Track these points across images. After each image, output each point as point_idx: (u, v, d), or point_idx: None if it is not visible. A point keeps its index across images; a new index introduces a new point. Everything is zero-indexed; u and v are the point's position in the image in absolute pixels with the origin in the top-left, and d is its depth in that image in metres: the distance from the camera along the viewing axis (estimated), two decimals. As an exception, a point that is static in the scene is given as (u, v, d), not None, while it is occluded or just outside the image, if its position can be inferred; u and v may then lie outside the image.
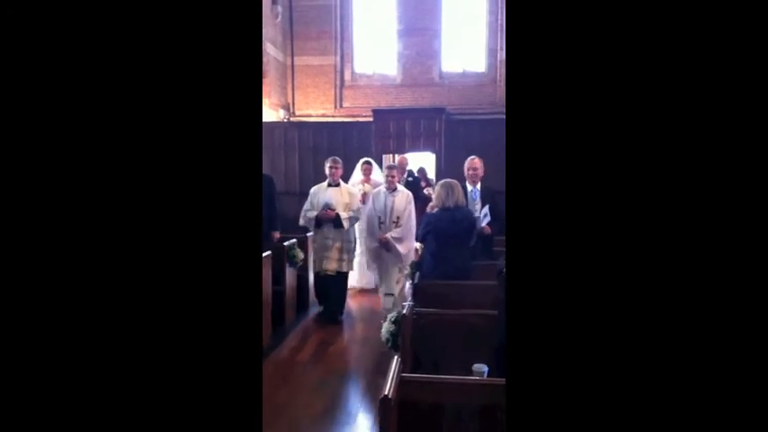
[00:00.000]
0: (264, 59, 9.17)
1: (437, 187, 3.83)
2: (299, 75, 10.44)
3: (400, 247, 4.82)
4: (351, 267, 5.31)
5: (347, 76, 10.63)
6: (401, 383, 1.82)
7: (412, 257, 4.64)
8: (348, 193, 5.19)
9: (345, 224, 5.01)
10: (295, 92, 10.43)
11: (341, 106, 10.53)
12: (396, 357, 1.99)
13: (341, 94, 10.57)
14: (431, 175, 8.93)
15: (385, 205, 4.91)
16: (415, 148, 9.26)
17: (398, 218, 4.86)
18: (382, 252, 4.92)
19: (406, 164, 7.00)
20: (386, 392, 1.66)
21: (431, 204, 4.22)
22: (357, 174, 6.14)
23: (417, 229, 6.34)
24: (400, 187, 5.07)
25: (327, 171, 5.20)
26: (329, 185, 5.16)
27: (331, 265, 5.06)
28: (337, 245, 5.07)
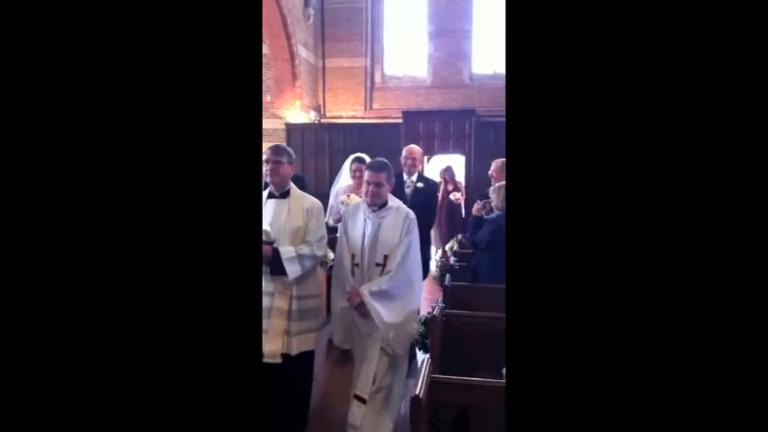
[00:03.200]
0: (296, 62, 9.29)
1: (500, 190, 3.55)
2: (329, 76, 10.54)
3: (384, 313, 2.48)
4: (311, 346, 2.76)
5: (377, 78, 10.68)
6: (431, 384, 1.83)
7: (408, 336, 2.66)
8: (303, 208, 2.72)
9: (291, 270, 2.58)
10: (326, 94, 10.53)
11: (371, 108, 10.58)
12: (425, 358, 2.00)
13: (371, 95, 10.63)
14: (459, 177, 8.85)
15: (363, 234, 2.61)
16: (444, 149, 9.24)
17: (386, 257, 2.56)
18: (356, 319, 2.62)
19: (419, 160, 4.14)
20: (417, 393, 1.67)
21: (478, 207, 3.63)
22: (345, 177, 4.11)
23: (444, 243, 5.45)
24: (394, 202, 2.68)
25: (264, 169, 2.68)
26: (270, 196, 2.75)
27: (271, 345, 2.60)
28: (280, 305, 2.64)
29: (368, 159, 3.78)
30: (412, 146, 4.21)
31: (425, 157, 9.88)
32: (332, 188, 4.28)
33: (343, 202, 3.71)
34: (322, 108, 10.47)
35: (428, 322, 2.76)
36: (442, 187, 7.72)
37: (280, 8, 8.59)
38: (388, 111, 10.20)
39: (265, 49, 9.01)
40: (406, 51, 10.70)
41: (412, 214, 2.68)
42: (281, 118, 9.35)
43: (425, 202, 3.95)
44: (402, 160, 4.10)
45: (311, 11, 9.86)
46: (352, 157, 4.21)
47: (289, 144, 9.13)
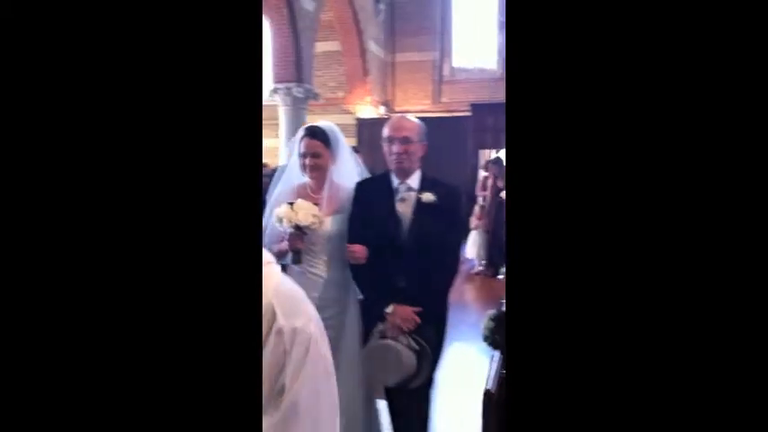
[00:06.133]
0: (367, 57, 9.45)
1: None
2: (398, 71, 10.62)
3: None
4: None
5: (446, 71, 10.63)
6: (502, 379, 1.88)
7: None
8: None
9: None
10: (395, 88, 10.63)
11: (439, 101, 10.57)
12: (496, 353, 2.04)
13: (439, 89, 10.61)
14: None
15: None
16: (513, 143, 9.03)
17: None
18: None
19: (420, 143, 1.94)
20: (488, 387, 1.73)
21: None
22: (293, 172, 2.06)
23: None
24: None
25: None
26: None
27: None
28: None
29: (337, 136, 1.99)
30: (401, 116, 2.07)
31: (493, 152, 9.66)
32: (268, 194, 2.08)
33: (281, 219, 1.85)
34: (391, 103, 10.58)
35: (498, 318, 2.80)
36: (490, 182, 6.47)
37: (352, 4, 8.76)
38: (456, 104, 10.14)
39: (337, 46, 9.23)
40: (475, 43, 10.56)
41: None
42: (351, 114, 9.56)
43: (440, 238, 1.88)
44: (384, 145, 1.94)
45: (382, 6, 9.97)
46: (302, 130, 2.02)
47: (359, 140, 9.33)
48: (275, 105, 7.49)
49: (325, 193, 1.92)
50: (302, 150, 1.93)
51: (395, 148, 1.89)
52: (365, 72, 9.50)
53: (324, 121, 2.03)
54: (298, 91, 7.16)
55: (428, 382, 1.94)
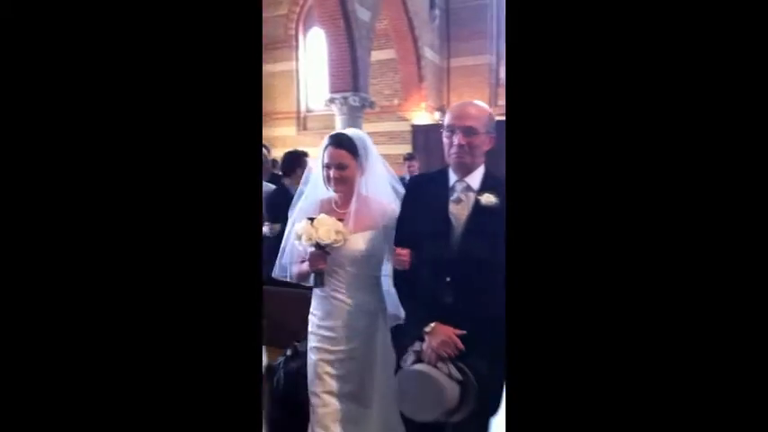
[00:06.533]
0: (422, 64, 9.47)
1: None
2: (453, 76, 10.58)
3: None
4: None
5: (502, 74, 10.47)
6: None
7: None
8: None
9: None
10: (450, 93, 10.59)
11: (495, 104, 10.41)
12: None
13: (495, 92, 10.47)
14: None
15: None
16: (575, 146, 8.79)
17: None
18: None
19: (487, 134, 1.60)
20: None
21: None
22: (317, 184, 1.82)
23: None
24: None
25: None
26: None
27: None
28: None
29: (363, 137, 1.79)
30: (467, 101, 1.70)
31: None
32: (290, 209, 1.89)
33: (300, 236, 1.66)
34: (446, 108, 10.54)
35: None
36: None
37: (406, 11, 8.82)
38: (513, 107, 9.97)
39: (392, 54, 9.31)
40: (533, 45, 10.37)
41: None
42: (407, 120, 9.60)
43: (499, 248, 1.21)
44: (444, 136, 1.63)
45: (437, 12, 9.97)
46: (326, 139, 1.79)
47: (414, 146, 9.35)
48: (331, 114, 7.64)
49: (352, 207, 1.72)
50: (326, 161, 1.72)
51: (456, 139, 1.57)
52: (420, 78, 9.53)
53: (352, 129, 1.89)
54: (354, 100, 7.28)
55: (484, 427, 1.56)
